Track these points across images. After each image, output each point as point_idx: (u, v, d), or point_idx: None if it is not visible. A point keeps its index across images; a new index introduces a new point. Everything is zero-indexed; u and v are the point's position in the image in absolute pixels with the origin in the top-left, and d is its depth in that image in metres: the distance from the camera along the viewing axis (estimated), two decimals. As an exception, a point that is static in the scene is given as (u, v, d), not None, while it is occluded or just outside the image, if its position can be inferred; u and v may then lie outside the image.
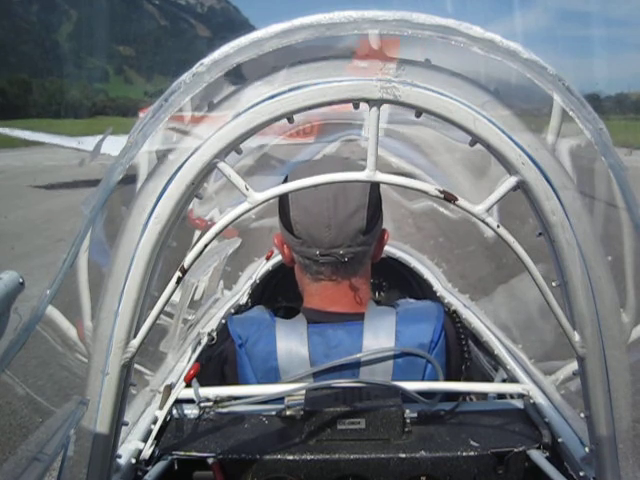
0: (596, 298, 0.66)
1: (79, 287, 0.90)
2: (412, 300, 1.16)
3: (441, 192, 0.62)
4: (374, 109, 0.60)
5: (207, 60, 0.59)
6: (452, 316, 1.09)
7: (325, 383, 0.95)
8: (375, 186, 1.05)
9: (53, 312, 0.84)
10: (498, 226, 0.64)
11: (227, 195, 1.81)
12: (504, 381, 1.27)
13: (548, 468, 0.88)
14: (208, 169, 0.62)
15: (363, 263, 1.07)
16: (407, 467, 0.87)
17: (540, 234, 0.66)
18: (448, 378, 1.02)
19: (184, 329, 1.44)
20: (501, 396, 1.16)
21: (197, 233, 1.78)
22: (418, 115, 0.62)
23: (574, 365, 0.73)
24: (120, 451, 0.87)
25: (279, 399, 0.97)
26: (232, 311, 1.64)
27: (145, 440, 0.95)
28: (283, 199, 1.05)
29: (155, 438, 0.96)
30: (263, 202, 0.64)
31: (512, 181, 0.62)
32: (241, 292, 1.75)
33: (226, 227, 0.66)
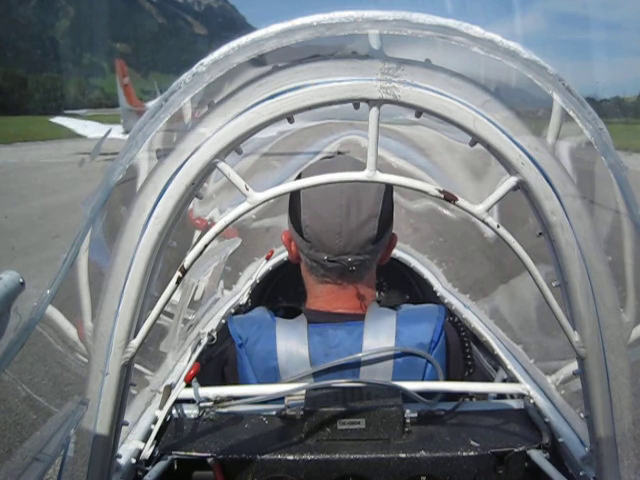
0: (596, 298, 0.66)
1: (79, 287, 0.90)
2: (413, 305, 1.16)
3: (441, 192, 0.62)
4: (374, 109, 0.60)
5: (207, 60, 0.59)
6: (457, 325, 1.09)
7: (325, 383, 0.95)
8: (388, 194, 1.04)
9: (53, 312, 0.84)
10: (498, 226, 0.64)
11: (227, 195, 1.81)
12: (504, 381, 1.27)
13: (548, 468, 0.88)
14: (208, 169, 0.62)
15: (370, 268, 1.08)
16: (407, 467, 0.87)
17: (540, 234, 0.66)
18: (448, 378, 1.02)
19: (184, 329, 1.44)
20: (501, 396, 1.16)
21: (197, 233, 1.78)
22: (418, 115, 0.62)
23: (574, 365, 0.73)
24: (120, 451, 0.87)
25: (279, 399, 0.97)
26: (232, 311, 1.64)
27: (145, 440, 0.95)
28: (294, 200, 1.04)
29: (155, 438, 0.96)
30: (263, 202, 0.64)
31: (512, 181, 0.62)
32: (241, 292, 1.75)
33: (226, 227, 0.66)
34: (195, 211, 1.95)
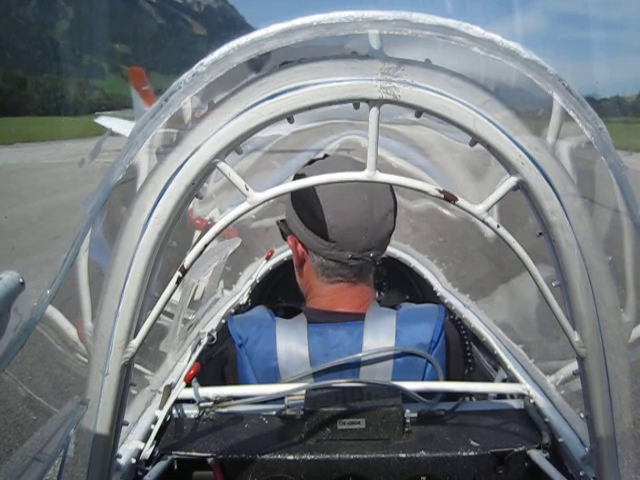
0: (596, 298, 0.66)
1: (79, 287, 0.90)
2: (413, 305, 1.16)
3: (441, 192, 0.62)
4: (374, 109, 0.60)
5: (207, 60, 0.59)
6: (457, 323, 1.09)
7: (325, 383, 0.95)
8: (393, 188, 1.06)
9: (53, 312, 0.84)
10: (498, 226, 0.64)
11: (227, 195, 1.81)
12: (504, 381, 1.27)
13: (548, 468, 0.88)
14: (208, 169, 0.62)
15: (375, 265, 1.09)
16: (407, 467, 0.87)
17: (540, 234, 0.66)
18: (448, 378, 1.02)
19: (184, 329, 1.44)
20: (501, 396, 1.16)
21: (197, 233, 1.78)
22: (418, 115, 0.62)
23: (574, 365, 0.73)
24: (120, 451, 0.87)
25: (279, 399, 0.97)
26: (232, 311, 1.64)
27: (145, 440, 0.95)
28: (310, 204, 1.01)
29: (155, 438, 0.95)
30: (263, 202, 0.64)
31: (512, 181, 0.62)
32: (241, 292, 1.75)
33: (226, 227, 0.66)
34: (195, 211, 1.95)
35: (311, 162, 1.14)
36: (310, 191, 1.01)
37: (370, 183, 0.98)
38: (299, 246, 1.08)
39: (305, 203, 1.03)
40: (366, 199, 0.99)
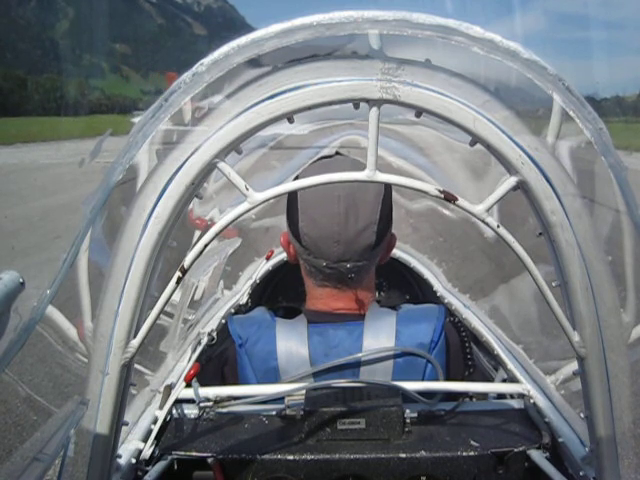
0: (596, 298, 0.66)
1: (79, 287, 0.90)
2: (413, 305, 1.16)
3: (441, 192, 0.62)
4: (374, 109, 0.60)
5: (207, 60, 0.59)
6: (457, 325, 1.09)
7: (325, 383, 0.95)
8: (387, 198, 1.04)
9: (53, 312, 0.84)
10: (498, 226, 0.64)
11: (227, 195, 1.81)
12: (504, 381, 1.27)
13: (548, 468, 0.88)
14: (208, 169, 0.62)
15: (369, 272, 1.07)
16: (407, 467, 0.87)
17: (540, 234, 0.66)
18: (448, 378, 1.02)
19: (184, 329, 1.44)
20: (501, 396, 1.16)
21: (197, 233, 1.78)
22: (418, 115, 0.62)
23: (574, 365, 0.73)
24: (120, 451, 0.87)
25: (279, 399, 0.97)
26: (232, 311, 1.64)
27: (145, 440, 0.95)
28: (292, 205, 1.03)
29: (155, 438, 0.96)
30: (263, 202, 0.64)
31: (512, 181, 0.62)
32: (241, 292, 1.75)
33: (226, 227, 0.66)
34: (195, 211, 1.95)
35: (317, 160, 1.15)
36: (293, 195, 1.02)
37: (353, 194, 0.99)
38: (291, 245, 1.08)
39: (289, 205, 1.05)
40: (342, 210, 0.97)
